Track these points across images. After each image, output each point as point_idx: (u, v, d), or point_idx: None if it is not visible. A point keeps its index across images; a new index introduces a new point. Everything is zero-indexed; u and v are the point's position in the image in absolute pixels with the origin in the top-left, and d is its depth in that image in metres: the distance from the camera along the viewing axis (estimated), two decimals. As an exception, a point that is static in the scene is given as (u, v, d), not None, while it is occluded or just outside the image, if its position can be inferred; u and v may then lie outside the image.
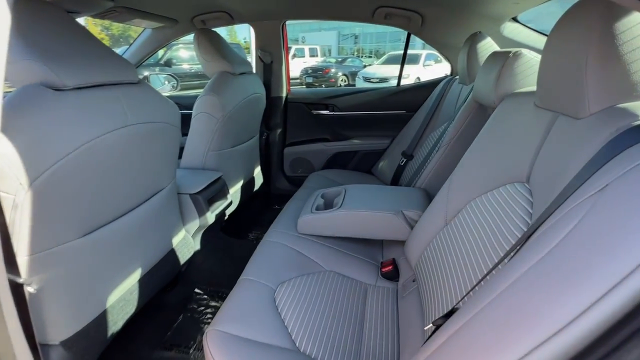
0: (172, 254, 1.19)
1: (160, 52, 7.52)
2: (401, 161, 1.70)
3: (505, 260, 0.54)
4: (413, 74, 8.08)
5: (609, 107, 0.51)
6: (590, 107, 0.53)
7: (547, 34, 1.39)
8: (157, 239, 1.09)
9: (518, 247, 0.51)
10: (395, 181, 1.72)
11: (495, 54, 0.98)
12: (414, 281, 1.02)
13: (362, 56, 20.83)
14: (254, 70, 1.93)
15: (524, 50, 0.87)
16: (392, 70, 8.55)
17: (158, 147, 0.98)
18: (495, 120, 0.86)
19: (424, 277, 0.91)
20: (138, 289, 1.02)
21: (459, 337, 0.47)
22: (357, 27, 29.17)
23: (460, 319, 0.50)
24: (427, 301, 0.83)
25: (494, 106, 0.93)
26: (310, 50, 13.24)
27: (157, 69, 6.75)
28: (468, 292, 0.58)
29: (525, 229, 0.61)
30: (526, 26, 1.45)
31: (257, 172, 1.96)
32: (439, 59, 10.02)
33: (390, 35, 27.77)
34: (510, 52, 0.88)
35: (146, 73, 2.44)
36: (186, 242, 1.28)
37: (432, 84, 1.80)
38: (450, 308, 0.68)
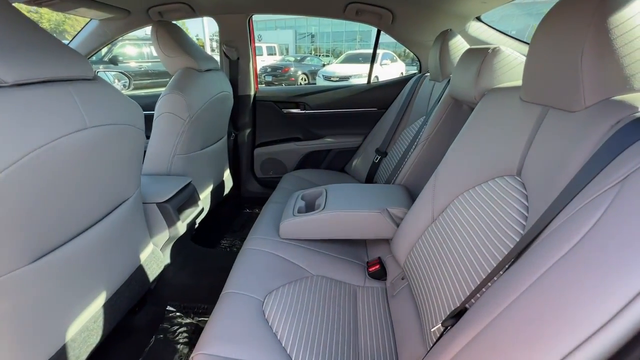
0: (140, 271, 1.07)
1: (104, 49, 6.89)
2: (375, 158, 1.70)
3: (511, 259, 0.53)
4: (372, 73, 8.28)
5: (604, 100, 0.52)
6: (585, 100, 0.54)
7: (508, 33, 1.47)
8: (122, 256, 0.97)
9: (529, 242, 0.50)
10: (369, 179, 1.72)
11: (472, 51, 0.99)
12: (403, 279, 1.02)
13: (319, 55, 20.97)
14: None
15: (502, 47, 0.90)
16: (352, 69, 8.71)
17: (121, 153, 0.86)
18: (478, 115, 0.88)
19: (415, 274, 0.90)
20: (103, 316, 0.89)
21: (485, 339, 0.45)
22: (314, 26, 29.32)
23: (479, 320, 0.48)
24: (422, 300, 0.82)
25: (475, 102, 0.94)
26: (268, 49, 13.01)
27: (101, 66, 6.16)
28: (478, 290, 0.57)
29: (524, 222, 0.62)
30: (489, 25, 1.52)
31: (227, 175, 1.85)
32: (394, 58, 10.39)
33: (347, 35, 28.30)
34: (488, 48, 0.90)
35: (98, 70, 2.17)
36: (155, 257, 1.16)
37: (402, 81, 1.83)
38: (453, 307, 0.67)
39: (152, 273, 1.14)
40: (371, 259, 1.16)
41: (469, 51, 1.02)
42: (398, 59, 10.83)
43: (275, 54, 13.33)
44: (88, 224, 0.81)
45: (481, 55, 0.91)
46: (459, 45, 1.28)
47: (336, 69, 9.12)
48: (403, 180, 1.32)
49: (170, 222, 1.19)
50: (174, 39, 1.32)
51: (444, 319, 0.66)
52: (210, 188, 1.62)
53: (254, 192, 2.11)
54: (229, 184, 1.87)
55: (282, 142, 2.04)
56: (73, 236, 0.77)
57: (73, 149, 0.69)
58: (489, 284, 0.56)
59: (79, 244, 0.78)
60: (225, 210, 2.01)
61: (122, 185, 0.91)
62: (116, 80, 2.63)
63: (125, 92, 2.38)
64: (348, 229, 1.12)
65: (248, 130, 1.99)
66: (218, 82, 1.50)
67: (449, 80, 1.26)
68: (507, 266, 0.53)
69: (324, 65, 11.08)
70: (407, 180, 1.32)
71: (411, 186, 1.31)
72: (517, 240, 0.61)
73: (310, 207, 1.24)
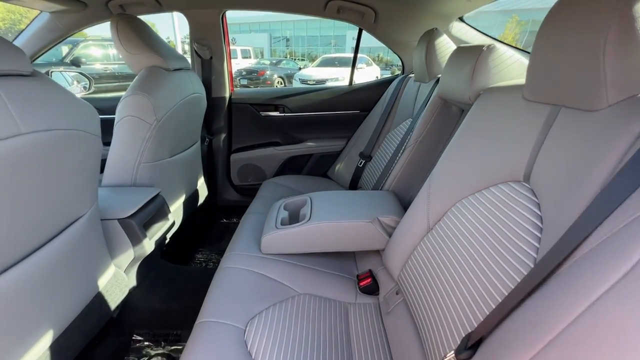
0: (98, 299, 0.92)
1: (65, 49, 6.46)
2: (359, 163, 1.64)
3: (538, 280, 0.46)
4: (347, 76, 8.33)
5: (630, 98, 0.47)
6: (608, 97, 0.48)
7: (490, 35, 1.45)
8: (74, 286, 0.82)
9: (559, 262, 0.43)
10: (354, 184, 1.65)
11: (464, 49, 0.94)
12: (397, 293, 0.94)
13: (295, 59, 20.97)
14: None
15: (497, 44, 0.85)
16: (328, 72, 8.72)
17: (70, 163, 0.72)
18: (474, 116, 0.82)
19: (411, 290, 0.83)
20: (50, 359, 0.75)
21: None
22: (289, 30, 29.34)
23: (514, 357, 0.41)
24: (422, 320, 0.75)
25: (469, 102, 0.89)
26: (243, 52, 12.80)
27: (62, 67, 5.74)
28: (500, 317, 0.50)
29: (539, 234, 0.55)
30: (471, 26, 1.49)
31: (201, 183, 1.71)
32: (369, 62, 10.52)
33: (321, 39, 28.54)
34: (482, 46, 0.85)
35: (52, 70, 1.94)
36: (117, 281, 1.01)
37: (385, 83, 1.77)
38: (463, 333, 0.60)
39: (114, 300, 0.99)
40: (361, 271, 1.07)
41: (460, 50, 0.96)
42: (373, 62, 11.00)
43: (250, 57, 13.13)
44: (30, 249, 0.67)
45: (475, 53, 0.86)
46: (445, 44, 1.24)
47: (312, 72, 9.10)
48: (391, 186, 1.25)
49: (135, 240, 1.05)
50: (137, 34, 1.18)
51: (454, 348, 0.58)
52: (182, 198, 1.48)
53: (231, 200, 1.98)
54: (203, 192, 1.73)
55: (260, 146, 1.92)
56: (9, 265, 0.63)
57: (2, 160, 0.56)
58: (514, 310, 0.48)
59: (17, 275, 0.64)
60: (199, 222, 1.86)
61: (72, 202, 0.77)
62: (75, 82, 2.42)
63: (85, 94, 2.17)
64: (337, 241, 1.03)
65: (223, 135, 1.86)
66: (189, 83, 1.37)
67: (437, 80, 1.21)
68: (534, 289, 0.46)
69: (300, 68, 11.05)
70: (396, 186, 1.25)
71: (400, 192, 1.25)
72: (534, 255, 0.54)
73: (294, 217, 1.14)
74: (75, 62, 6.31)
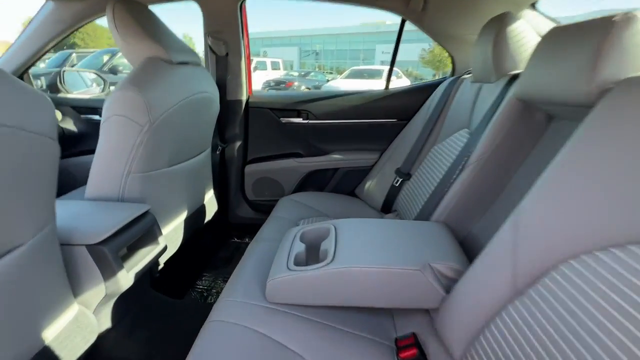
0: (47, 353, 0.69)
1: (105, 58, 6.79)
2: (395, 181, 1.36)
3: None
4: (376, 89, 8.13)
5: None
6: None
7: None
8: (9, 335, 0.59)
9: None
10: (387, 206, 1.36)
11: (571, 27, 0.65)
12: (458, 382, 0.63)
13: (324, 72, 21.19)
14: (203, 65, 1.48)
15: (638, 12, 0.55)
16: (356, 84, 8.55)
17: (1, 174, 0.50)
18: (601, 124, 0.52)
19: None
20: None
21: None
22: (318, 44, 29.88)
23: None
24: None
25: (584, 103, 0.59)
26: (273, 64, 12.97)
27: (99, 71, 5.99)
28: None
29: None
30: (546, 16, 1.18)
31: (210, 197, 1.48)
32: (399, 74, 10.25)
33: (351, 53, 28.76)
34: (613, 16, 0.56)
35: (65, 69, 1.88)
36: (80, 325, 0.77)
37: (430, 87, 1.49)
38: None
39: (74, 351, 0.76)
40: (402, 335, 0.77)
41: (563, 29, 0.67)
42: (403, 75, 10.74)
43: (279, 69, 13.29)
44: None
45: (600, 28, 0.56)
46: (522, 32, 0.94)
47: (340, 84, 9.02)
48: (444, 216, 0.95)
49: (108, 273, 0.81)
50: (135, 20, 0.98)
51: None
52: (184, 216, 1.25)
53: (245, 217, 1.74)
54: (212, 208, 1.51)
55: (279, 157, 1.69)
56: None
57: None
58: None
59: None
60: (205, 241, 1.63)
61: (4, 226, 0.54)
62: (95, 84, 2.42)
63: (98, 95, 2.08)
64: (370, 293, 0.74)
65: (238, 143, 1.64)
66: (196, 80, 1.16)
67: (510, 79, 0.92)
68: None
69: (328, 80, 11.02)
70: (450, 216, 0.94)
71: (455, 224, 0.94)
72: None
73: (312, 253, 0.87)
74: (113, 70, 6.58)
